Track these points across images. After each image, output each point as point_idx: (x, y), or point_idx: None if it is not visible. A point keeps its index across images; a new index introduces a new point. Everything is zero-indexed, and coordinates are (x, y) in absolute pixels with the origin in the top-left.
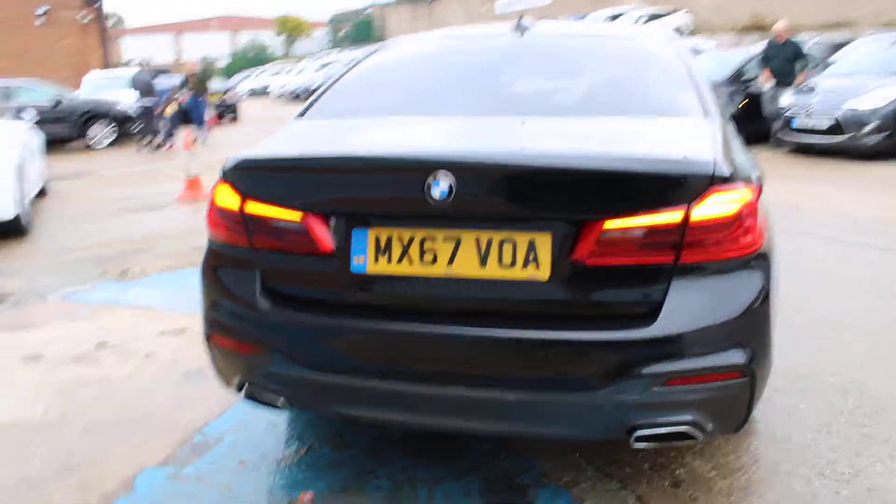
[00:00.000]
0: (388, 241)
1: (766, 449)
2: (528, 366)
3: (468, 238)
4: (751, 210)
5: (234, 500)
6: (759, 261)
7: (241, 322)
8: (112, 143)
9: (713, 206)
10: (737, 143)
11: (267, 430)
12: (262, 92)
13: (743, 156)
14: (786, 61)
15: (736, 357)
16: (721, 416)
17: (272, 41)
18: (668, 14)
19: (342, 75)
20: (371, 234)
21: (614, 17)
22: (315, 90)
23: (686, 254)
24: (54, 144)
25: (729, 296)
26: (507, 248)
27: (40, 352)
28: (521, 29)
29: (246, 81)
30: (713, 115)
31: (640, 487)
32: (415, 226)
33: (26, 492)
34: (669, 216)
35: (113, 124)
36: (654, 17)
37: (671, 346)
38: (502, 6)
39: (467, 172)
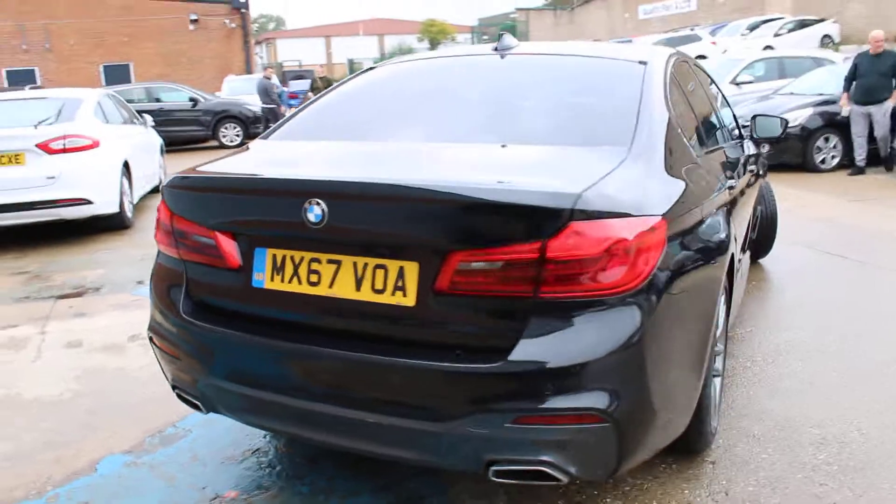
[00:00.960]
0: (283, 260)
1: (696, 497)
2: (388, 390)
3: (347, 262)
4: (624, 247)
5: (172, 490)
6: (638, 300)
7: (169, 326)
8: (240, 143)
9: (572, 241)
10: (654, 174)
11: (229, 428)
12: None
13: (650, 189)
14: (880, 75)
15: (595, 401)
16: (585, 461)
17: (418, 45)
18: (816, 23)
19: (321, 97)
20: (269, 253)
21: (756, 26)
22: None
23: (545, 289)
24: (191, 143)
25: (592, 335)
26: (380, 274)
27: (81, 338)
28: (501, 51)
29: None
30: (640, 147)
31: None
32: (302, 248)
33: (10, 460)
34: (526, 250)
35: (241, 125)
36: (801, 24)
37: (522, 384)
38: (645, 12)
39: (336, 199)
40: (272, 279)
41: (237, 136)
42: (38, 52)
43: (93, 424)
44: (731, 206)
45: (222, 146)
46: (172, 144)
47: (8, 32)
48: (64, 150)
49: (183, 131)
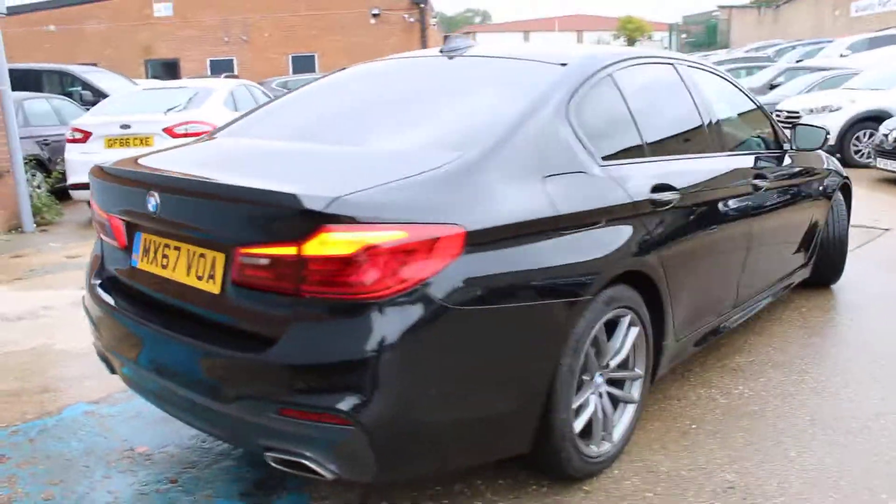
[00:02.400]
0: (149, 243)
1: None
2: (193, 368)
3: (183, 249)
4: (378, 253)
5: (101, 439)
6: (399, 307)
7: (86, 295)
8: None
9: (323, 245)
10: (481, 182)
11: None
12: None
13: (458, 197)
14: None
15: (341, 402)
16: (343, 461)
17: (614, 42)
18: None
19: (280, 97)
20: (142, 237)
21: None
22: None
23: (305, 288)
24: None
25: (344, 338)
26: (202, 262)
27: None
28: (447, 53)
29: None
30: (479, 152)
31: None
32: (157, 234)
33: (11, 396)
34: (287, 249)
35: None
36: None
37: (282, 377)
38: (858, 9)
39: (164, 192)
40: (142, 260)
41: None
42: (237, 43)
43: (87, 374)
44: (664, 224)
45: None
46: None
47: (213, 25)
48: (185, 135)
49: None
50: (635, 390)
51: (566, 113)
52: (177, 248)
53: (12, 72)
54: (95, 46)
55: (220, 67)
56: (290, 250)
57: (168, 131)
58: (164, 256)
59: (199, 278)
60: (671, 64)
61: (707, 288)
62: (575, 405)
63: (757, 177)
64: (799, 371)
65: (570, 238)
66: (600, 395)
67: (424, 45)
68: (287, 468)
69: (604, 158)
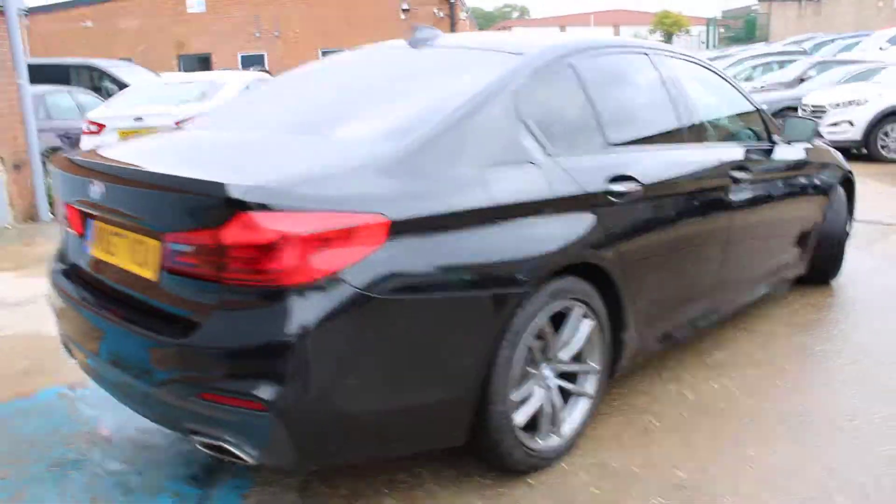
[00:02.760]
0: (99, 231)
1: None
2: (130, 353)
3: (126, 236)
4: (293, 241)
5: (66, 419)
6: (315, 295)
7: (48, 282)
8: None
9: (240, 232)
10: (412, 172)
11: None
12: None
13: (385, 187)
14: None
15: (257, 389)
16: (262, 446)
17: (650, 37)
18: None
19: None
20: (94, 224)
21: None
22: None
23: (226, 275)
24: None
25: (261, 324)
26: (141, 249)
27: None
28: (416, 43)
29: None
30: (412, 143)
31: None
32: (105, 221)
33: None
34: (207, 236)
35: None
36: None
37: (201, 361)
38: None
39: (105, 181)
40: (93, 247)
41: None
42: (269, 38)
43: (57, 359)
44: (616, 218)
45: None
46: None
47: (245, 21)
48: None
49: None
50: (590, 385)
51: (515, 103)
52: (121, 236)
53: (42, 67)
54: (130, 42)
55: (251, 62)
56: (211, 237)
57: (178, 124)
58: (111, 244)
59: (139, 265)
60: (645, 54)
61: (676, 283)
62: (516, 397)
63: (738, 169)
64: (778, 369)
65: (508, 229)
66: (549, 388)
67: None
68: (213, 452)
69: (557, 148)
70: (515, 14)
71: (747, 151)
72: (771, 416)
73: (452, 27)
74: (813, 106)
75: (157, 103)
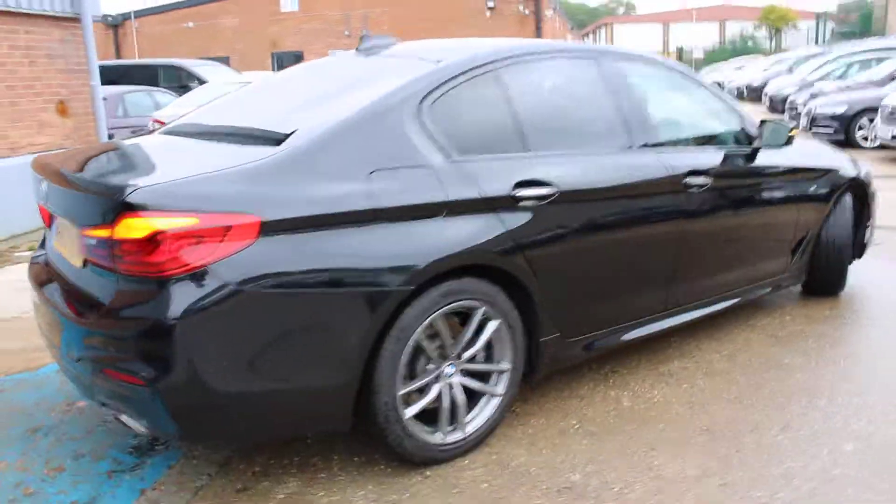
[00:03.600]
0: (58, 226)
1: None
2: (63, 334)
3: (70, 230)
4: (166, 237)
5: (56, 393)
6: (183, 286)
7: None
8: None
9: (125, 229)
10: (288, 176)
11: None
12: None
13: (258, 190)
14: None
15: (139, 367)
16: (147, 418)
17: (756, 33)
18: None
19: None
20: (56, 220)
21: None
22: None
23: (120, 265)
24: None
25: (141, 310)
26: (76, 241)
27: None
28: (363, 52)
29: (711, 74)
30: (297, 147)
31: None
32: (57, 217)
33: (6, 354)
34: (103, 232)
35: None
36: None
37: (102, 341)
38: None
39: (49, 182)
40: (55, 240)
41: None
42: (358, 36)
43: None
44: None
45: None
46: None
47: (335, 20)
48: None
49: None
50: (500, 385)
51: (417, 110)
52: (67, 230)
53: (133, 67)
54: (228, 41)
55: None
56: (105, 233)
57: (158, 122)
58: (63, 237)
59: (73, 256)
60: (593, 59)
61: (602, 290)
62: (406, 390)
63: (694, 175)
64: (730, 380)
65: (391, 230)
66: (451, 386)
67: (539, 37)
68: (122, 423)
69: (462, 154)
70: (621, 10)
71: (712, 157)
72: (698, 427)
73: (538, 24)
74: (892, 107)
75: None
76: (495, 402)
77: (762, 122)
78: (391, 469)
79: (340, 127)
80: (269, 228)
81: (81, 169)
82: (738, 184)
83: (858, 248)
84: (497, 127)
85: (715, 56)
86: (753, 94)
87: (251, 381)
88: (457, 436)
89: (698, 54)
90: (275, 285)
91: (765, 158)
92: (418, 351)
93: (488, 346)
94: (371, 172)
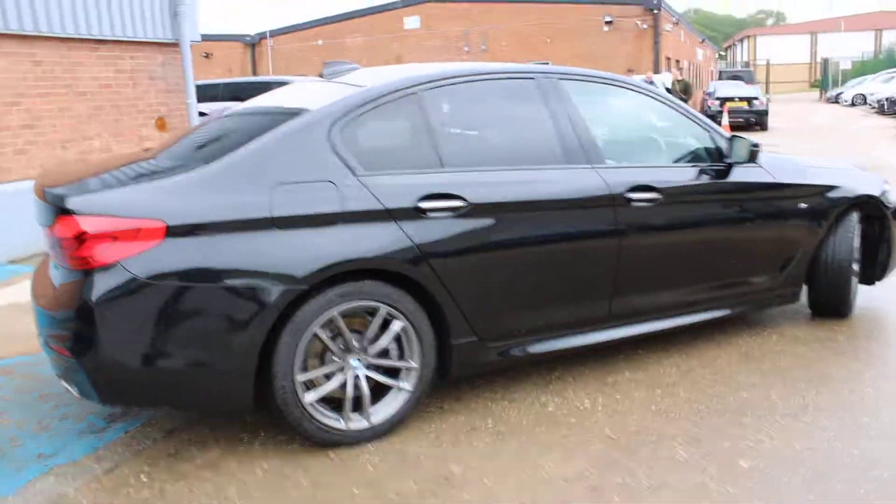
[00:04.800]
0: None
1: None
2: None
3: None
4: (86, 236)
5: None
6: (104, 275)
7: None
8: None
9: (60, 229)
10: (197, 190)
11: None
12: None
13: (172, 200)
14: None
15: (68, 342)
16: (76, 385)
17: None
18: None
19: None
20: None
21: None
22: None
23: (65, 260)
24: None
25: (71, 295)
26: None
27: None
28: (326, 77)
29: (855, 88)
30: (210, 167)
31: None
32: None
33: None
34: (53, 231)
35: None
36: None
37: (54, 321)
38: None
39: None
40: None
41: None
42: (476, 53)
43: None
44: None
45: None
46: None
47: (455, 36)
48: None
49: None
50: (409, 381)
51: (328, 132)
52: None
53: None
54: (354, 58)
55: None
56: (55, 231)
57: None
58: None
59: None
60: (532, 78)
61: (531, 301)
62: (305, 378)
63: (638, 190)
64: (669, 394)
65: (286, 236)
66: (356, 378)
67: (657, 52)
68: (67, 390)
69: (369, 170)
70: (770, 21)
71: (664, 173)
72: (599, 435)
73: (656, 38)
74: None
75: None
76: (403, 396)
77: (731, 138)
78: (303, 449)
79: (251, 150)
80: (174, 232)
81: (50, 184)
82: (699, 199)
83: (880, 270)
84: (410, 146)
85: (867, 67)
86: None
87: (156, 359)
88: (361, 424)
89: (845, 65)
90: (178, 279)
91: (737, 175)
92: (320, 343)
93: (400, 344)
94: (273, 186)
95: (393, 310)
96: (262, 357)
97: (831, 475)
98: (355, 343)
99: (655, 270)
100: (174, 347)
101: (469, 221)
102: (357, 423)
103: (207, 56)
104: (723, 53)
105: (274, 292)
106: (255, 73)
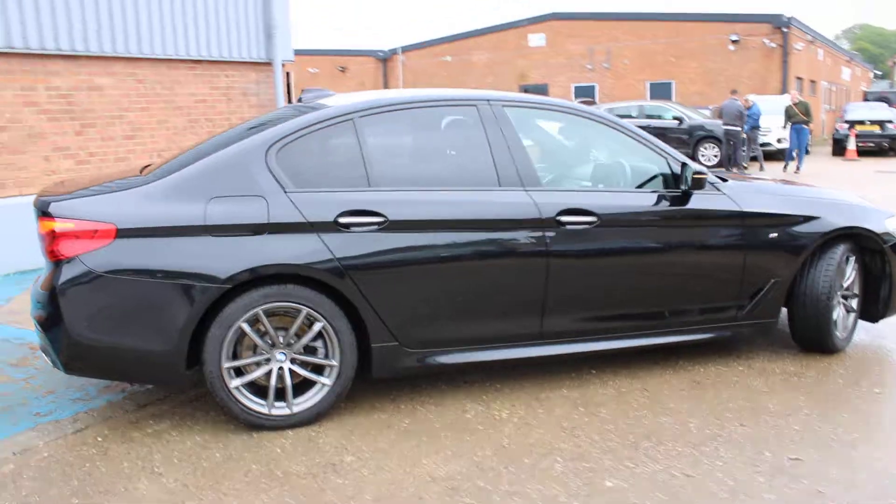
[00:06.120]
0: None
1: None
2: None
3: None
4: (55, 235)
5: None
6: (68, 267)
7: None
8: (717, 164)
9: (41, 226)
10: (147, 200)
11: None
12: None
13: (124, 208)
14: None
15: (42, 319)
16: (48, 355)
17: None
18: None
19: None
20: None
21: None
22: None
23: (47, 253)
24: None
25: (48, 282)
26: None
27: None
28: (303, 102)
29: None
30: (161, 181)
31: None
32: None
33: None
34: (38, 228)
35: (719, 145)
36: None
37: (37, 301)
38: None
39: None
40: None
41: (715, 156)
42: (599, 70)
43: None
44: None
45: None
46: None
47: (579, 54)
48: None
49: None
50: (330, 377)
51: (265, 154)
52: None
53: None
54: (480, 74)
55: (583, 93)
56: (39, 228)
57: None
58: None
59: None
60: (474, 106)
61: (451, 313)
62: (230, 365)
63: (572, 213)
64: (589, 413)
65: (217, 242)
66: (280, 369)
67: (785, 71)
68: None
69: (299, 187)
70: None
71: (606, 197)
72: (494, 443)
73: (784, 58)
74: None
75: None
76: (325, 391)
77: (682, 164)
78: (233, 427)
79: (196, 168)
80: (124, 234)
81: (42, 193)
82: (643, 224)
83: (882, 307)
84: (341, 166)
85: None
86: None
87: (105, 338)
88: (283, 411)
89: None
90: (124, 273)
91: (696, 202)
92: (245, 337)
93: (325, 343)
94: (210, 199)
95: (314, 312)
96: (199, 344)
97: None
98: (280, 339)
99: (592, 292)
100: (119, 330)
101: (389, 236)
102: (280, 410)
103: (343, 70)
104: (879, 73)
105: (201, 289)
106: (386, 87)
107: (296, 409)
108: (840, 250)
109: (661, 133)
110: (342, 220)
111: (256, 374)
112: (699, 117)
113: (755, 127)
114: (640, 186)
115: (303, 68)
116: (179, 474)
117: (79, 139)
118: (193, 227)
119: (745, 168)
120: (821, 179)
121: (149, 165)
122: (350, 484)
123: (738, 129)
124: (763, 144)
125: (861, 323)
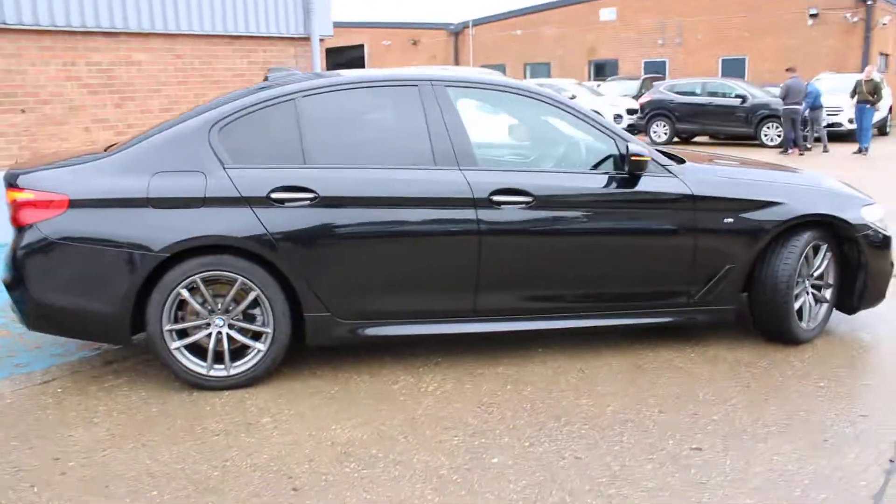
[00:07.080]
0: None
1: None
2: None
3: None
4: (17, 204)
5: None
6: (27, 235)
7: None
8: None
9: (5, 196)
10: (99, 173)
11: None
12: None
13: (78, 179)
14: None
15: (9, 283)
16: (17, 314)
17: None
18: None
19: None
20: None
21: None
22: None
23: (12, 220)
24: (737, 140)
25: (13, 247)
26: None
27: None
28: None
29: None
30: (115, 155)
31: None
32: None
33: None
34: (4, 196)
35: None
36: None
37: (5, 263)
38: None
39: None
40: None
41: (778, 135)
42: (671, 46)
43: None
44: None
45: (762, 145)
46: (716, 139)
47: (651, 28)
48: None
49: (728, 126)
50: (264, 343)
51: (208, 132)
52: None
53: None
54: (550, 48)
55: (653, 68)
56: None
57: None
58: None
59: None
60: (415, 86)
61: (381, 286)
62: (170, 328)
63: (507, 192)
64: (515, 391)
65: (158, 213)
66: (220, 334)
67: (867, 48)
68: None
69: (237, 164)
70: None
71: (543, 177)
72: (405, 414)
73: (867, 33)
74: None
75: None
76: (260, 355)
77: (627, 146)
78: (178, 387)
79: (143, 142)
80: (75, 204)
81: (10, 166)
82: (583, 205)
83: (857, 299)
84: (279, 144)
85: None
86: None
87: (60, 299)
88: (221, 373)
89: None
90: (74, 240)
91: (644, 184)
92: (184, 302)
93: (262, 311)
94: (154, 174)
95: (248, 281)
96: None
97: (544, 485)
98: (219, 306)
99: (526, 272)
100: (73, 292)
101: (320, 212)
102: (218, 371)
103: (415, 43)
104: None
105: (142, 258)
106: (457, 61)
107: (232, 372)
108: (805, 237)
109: (723, 112)
110: (274, 195)
111: (196, 337)
112: (765, 95)
113: (816, 107)
114: (594, 168)
115: (378, 40)
116: (112, 425)
117: (118, 111)
118: (137, 199)
119: (809, 149)
120: (893, 162)
121: (114, 144)
122: (255, 443)
123: (800, 108)
124: (833, 125)
125: (856, 315)
